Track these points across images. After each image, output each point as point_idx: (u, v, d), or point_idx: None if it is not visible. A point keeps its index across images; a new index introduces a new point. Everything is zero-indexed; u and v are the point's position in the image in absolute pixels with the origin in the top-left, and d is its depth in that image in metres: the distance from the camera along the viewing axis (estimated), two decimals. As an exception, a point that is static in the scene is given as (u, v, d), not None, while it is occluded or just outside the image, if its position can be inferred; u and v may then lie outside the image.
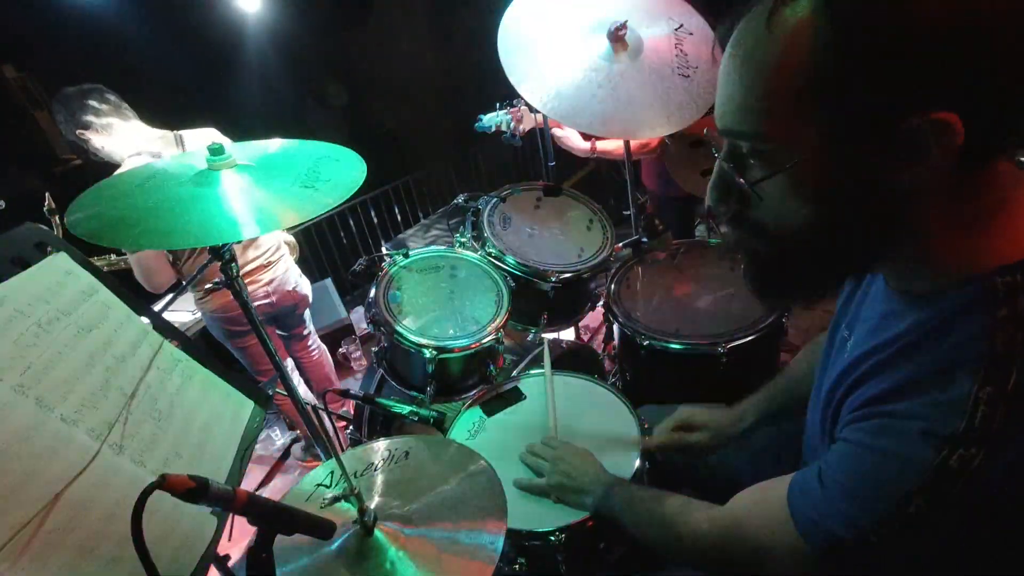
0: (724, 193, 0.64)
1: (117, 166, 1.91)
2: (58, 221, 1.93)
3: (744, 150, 0.60)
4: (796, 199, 0.58)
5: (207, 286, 2.08)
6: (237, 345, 2.23)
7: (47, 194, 1.92)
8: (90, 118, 1.89)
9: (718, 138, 0.63)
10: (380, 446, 1.07)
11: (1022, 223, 0.57)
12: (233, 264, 0.88)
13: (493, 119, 1.99)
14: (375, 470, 1.02)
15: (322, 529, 0.79)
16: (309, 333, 2.54)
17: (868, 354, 0.64)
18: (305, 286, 2.38)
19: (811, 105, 0.53)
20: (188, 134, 2.02)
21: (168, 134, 2.01)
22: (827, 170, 0.55)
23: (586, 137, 2.15)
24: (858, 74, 0.50)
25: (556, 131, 2.11)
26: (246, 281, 2.03)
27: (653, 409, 1.33)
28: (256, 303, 2.15)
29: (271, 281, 2.19)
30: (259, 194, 0.85)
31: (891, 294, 0.67)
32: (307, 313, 2.49)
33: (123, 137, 1.93)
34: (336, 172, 0.92)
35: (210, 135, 2.06)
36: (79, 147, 1.95)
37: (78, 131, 1.90)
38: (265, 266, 2.17)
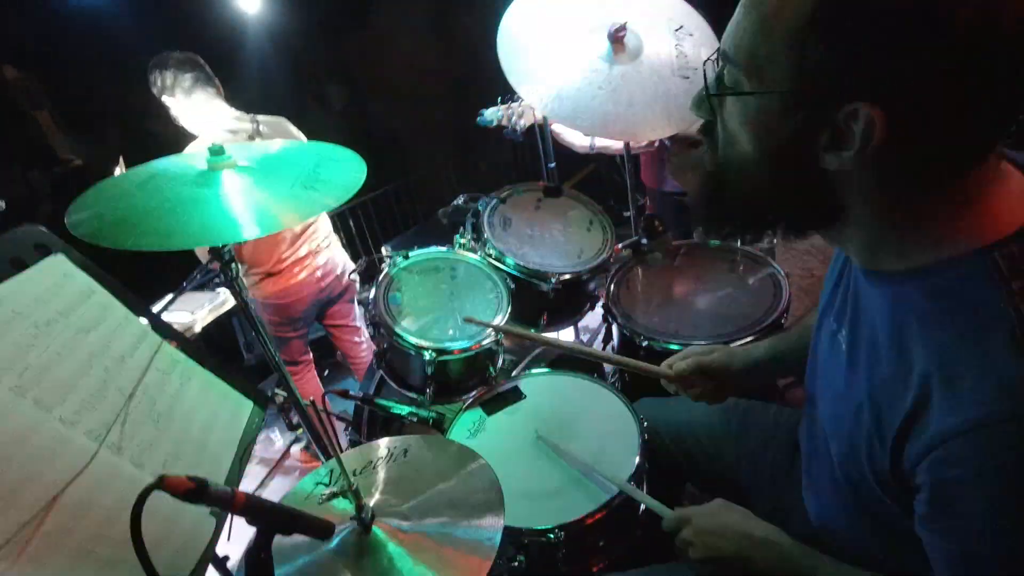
0: (699, 100, 0.69)
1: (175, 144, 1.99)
2: None
3: (725, 73, 0.64)
4: (742, 129, 0.63)
5: (260, 270, 2.15)
6: (279, 334, 2.31)
7: (120, 158, 1.99)
8: (173, 86, 1.96)
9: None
10: (380, 444, 1.07)
11: (997, 205, 0.58)
12: (233, 265, 0.88)
13: (495, 113, 1.99)
14: (374, 468, 1.02)
15: (321, 530, 0.78)
16: (359, 328, 2.58)
17: (892, 377, 0.62)
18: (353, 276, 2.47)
19: (786, 53, 0.56)
20: (264, 119, 2.10)
21: (245, 117, 2.07)
22: (774, 117, 0.60)
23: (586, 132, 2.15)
24: (826, 42, 0.53)
25: (555, 127, 2.11)
26: (298, 268, 2.18)
27: (652, 402, 1.33)
28: (307, 289, 2.23)
29: (322, 266, 2.26)
30: (259, 195, 0.85)
31: (865, 276, 0.69)
32: (357, 308, 2.53)
33: (199, 114, 2.01)
34: (336, 173, 0.93)
35: (282, 125, 2.14)
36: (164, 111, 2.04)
37: (162, 96, 1.98)
38: (316, 252, 2.24)
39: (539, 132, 2.06)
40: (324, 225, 2.33)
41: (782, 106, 0.59)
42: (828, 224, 0.66)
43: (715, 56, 0.66)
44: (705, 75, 0.67)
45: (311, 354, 2.58)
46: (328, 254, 2.31)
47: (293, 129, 2.22)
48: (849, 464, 0.71)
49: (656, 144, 2.19)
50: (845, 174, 0.59)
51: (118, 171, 2.05)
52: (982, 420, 0.52)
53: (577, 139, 2.16)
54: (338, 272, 2.36)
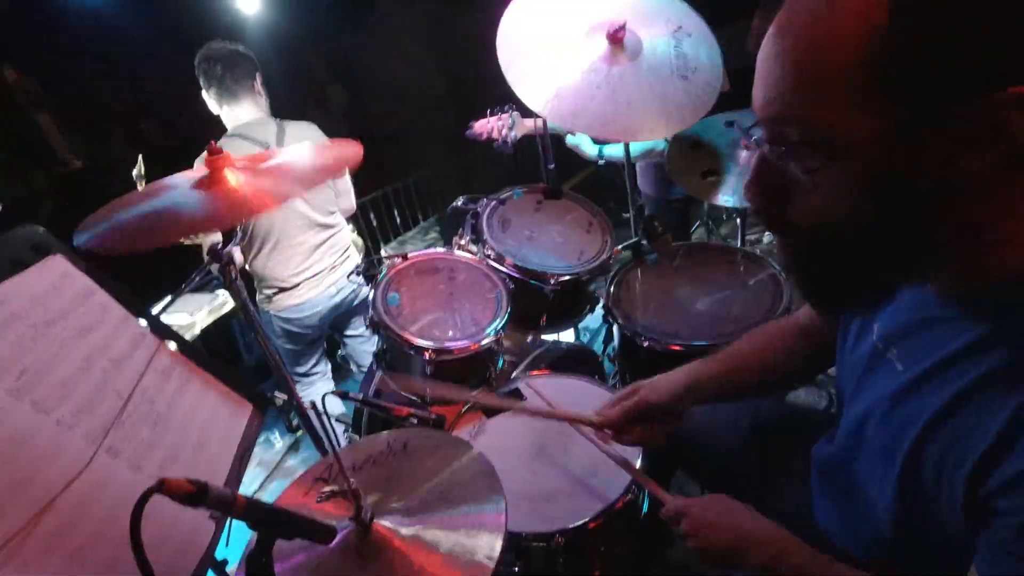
0: (768, 187, 0.59)
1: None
2: (141, 187, 1.97)
3: (794, 137, 0.55)
4: (851, 190, 0.54)
5: (274, 284, 2.10)
6: (292, 346, 2.26)
7: (140, 156, 1.99)
8: (210, 82, 1.95)
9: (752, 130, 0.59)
10: (379, 440, 1.06)
11: None
12: (232, 267, 0.87)
13: (483, 126, 1.99)
14: (373, 463, 1.02)
15: (322, 533, 0.78)
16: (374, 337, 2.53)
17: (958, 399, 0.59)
18: (365, 288, 2.37)
19: (871, 86, 0.49)
20: (290, 125, 2.06)
21: (271, 122, 2.04)
22: (886, 158, 0.51)
23: (595, 142, 2.15)
24: (924, 51, 0.46)
25: (568, 138, 2.11)
26: (313, 282, 2.12)
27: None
28: (322, 304, 2.17)
29: (336, 281, 2.20)
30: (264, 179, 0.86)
31: (939, 292, 0.63)
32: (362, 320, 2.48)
33: (228, 112, 2.00)
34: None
35: (311, 130, 2.10)
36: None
37: (202, 89, 2.00)
38: (333, 267, 2.19)
39: (538, 134, 2.06)
40: (343, 239, 2.25)
41: (893, 141, 0.50)
42: (952, 249, 0.56)
43: (767, 142, 0.57)
44: (767, 161, 0.58)
45: (327, 366, 2.53)
46: (346, 268, 2.23)
47: (321, 135, 2.16)
48: (897, 486, 0.67)
49: (663, 156, 2.17)
50: (983, 177, 0.50)
51: (136, 172, 2.02)
52: None
53: (587, 147, 2.15)
54: (354, 286, 2.29)
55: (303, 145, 1.05)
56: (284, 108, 2.19)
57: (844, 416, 0.83)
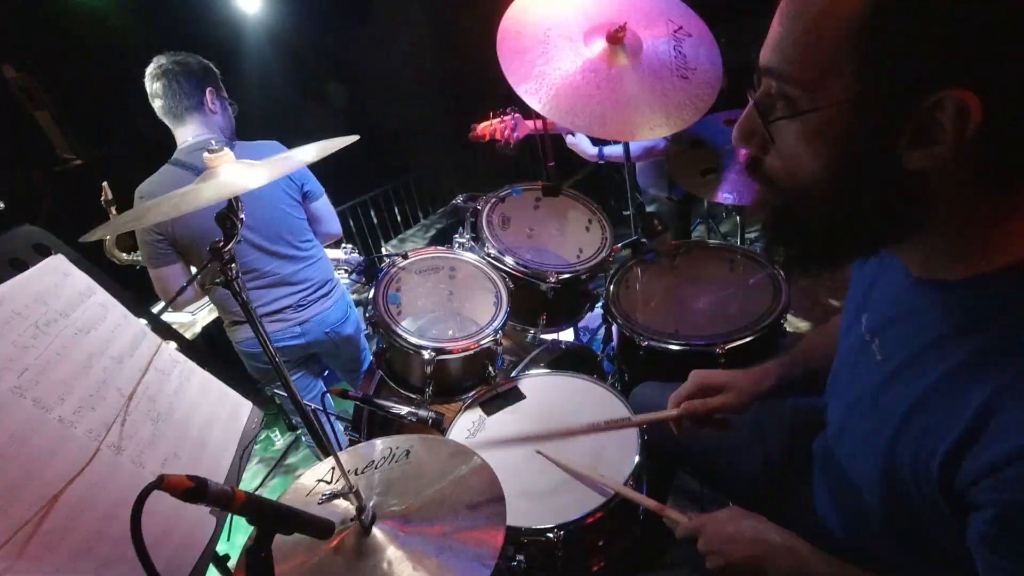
0: (748, 133, 0.64)
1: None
2: (114, 212, 1.88)
3: (773, 90, 0.59)
4: (808, 149, 0.58)
5: (229, 316, 1.89)
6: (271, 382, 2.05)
7: (104, 184, 1.84)
8: (153, 101, 1.73)
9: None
10: (380, 444, 1.07)
11: None
12: (233, 264, 0.87)
13: (486, 128, 1.99)
14: (375, 468, 1.02)
15: (320, 529, 0.79)
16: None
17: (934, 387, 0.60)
18: (349, 326, 2.06)
19: (845, 57, 0.52)
20: (243, 146, 1.79)
21: (219, 143, 1.84)
22: (843, 129, 0.55)
23: (595, 142, 2.15)
24: (895, 35, 0.50)
25: (568, 138, 2.11)
26: (271, 318, 1.86)
27: (653, 387, 1.32)
28: (283, 343, 1.93)
29: (305, 321, 1.92)
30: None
31: (916, 284, 0.64)
32: (360, 354, 2.16)
33: (176, 133, 1.77)
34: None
35: (266, 150, 1.79)
36: None
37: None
38: (299, 305, 1.91)
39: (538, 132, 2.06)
40: (317, 274, 1.93)
41: (851, 114, 0.54)
42: (909, 235, 0.60)
43: (755, 78, 0.61)
44: (751, 109, 0.62)
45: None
46: (319, 308, 1.94)
47: (274, 153, 1.88)
48: (881, 478, 0.68)
49: (664, 155, 2.17)
50: (933, 174, 0.54)
51: (103, 199, 1.90)
52: None
53: (587, 147, 2.15)
54: (326, 329, 1.96)
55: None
56: (283, 107, 2.16)
57: (833, 407, 0.84)
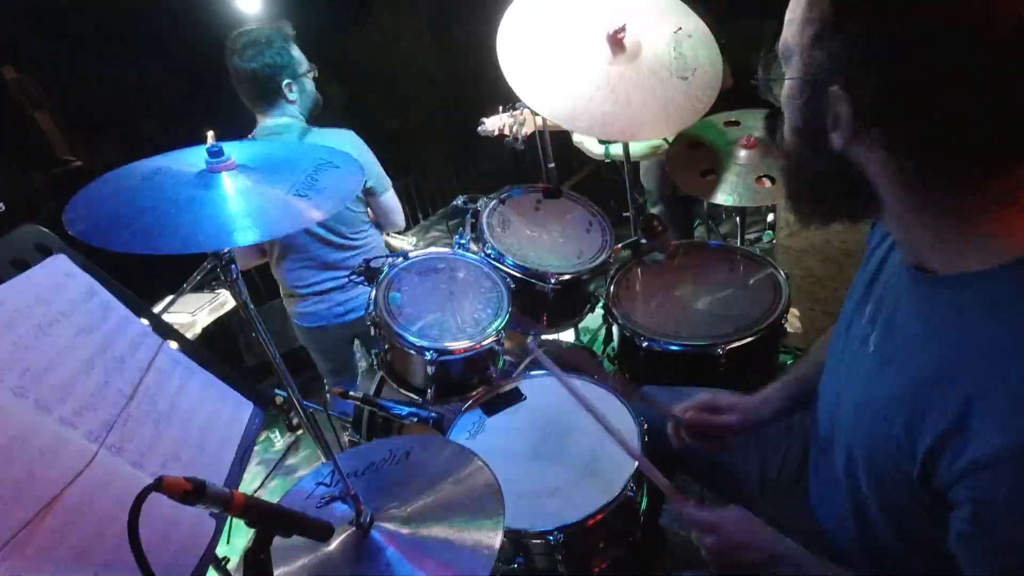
0: (765, 86, 0.75)
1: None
2: None
3: (781, 56, 0.68)
4: (785, 112, 0.68)
5: (284, 289, 2.05)
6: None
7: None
8: (239, 92, 1.90)
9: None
10: (381, 446, 1.07)
11: None
12: (233, 265, 0.87)
13: (496, 122, 1.98)
14: (375, 470, 1.02)
15: (319, 531, 0.79)
16: None
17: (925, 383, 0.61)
18: None
19: (807, 43, 0.62)
20: (316, 133, 1.97)
21: (295, 128, 1.94)
22: (799, 100, 0.65)
23: (601, 140, 2.15)
24: (815, 31, 0.60)
25: (576, 136, 2.11)
26: (317, 298, 2.03)
27: (656, 390, 1.32)
28: (329, 320, 2.06)
29: (344, 302, 2.06)
30: (257, 200, 0.83)
31: (911, 278, 0.67)
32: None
33: (258, 118, 1.94)
34: (334, 180, 0.90)
35: (338, 138, 2.00)
36: None
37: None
38: (344, 287, 2.02)
39: (538, 133, 2.06)
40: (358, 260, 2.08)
41: (797, 90, 0.65)
42: (861, 210, 0.68)
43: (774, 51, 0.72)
44: (768, 63, 0.72)
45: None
46: (361, 291, 1.97)
47: (345, 143, 2.05)
48: (868, 469, 0.69)
49: (664, 153, 2.17)
50: (866, 160, 0.62)
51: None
52: None
53: (593, 147, 2.16)
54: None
55: None
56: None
57: (825, 395, 0.86)
